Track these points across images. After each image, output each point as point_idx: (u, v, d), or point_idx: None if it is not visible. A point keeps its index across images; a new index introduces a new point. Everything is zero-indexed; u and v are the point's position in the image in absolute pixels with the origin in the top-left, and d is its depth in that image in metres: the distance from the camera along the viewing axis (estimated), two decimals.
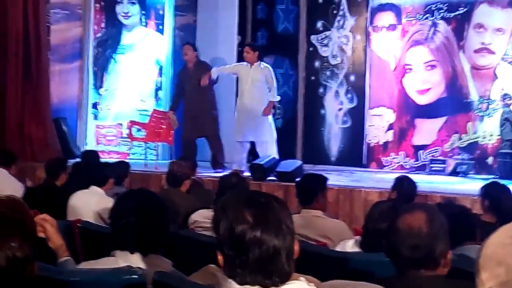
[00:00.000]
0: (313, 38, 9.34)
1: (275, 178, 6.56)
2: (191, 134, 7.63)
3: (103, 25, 8.85)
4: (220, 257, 1.48)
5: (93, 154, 5.93)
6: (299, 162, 6.96)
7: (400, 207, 2.65)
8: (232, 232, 1.45)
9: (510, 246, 0.94)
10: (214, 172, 7.23)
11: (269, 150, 7.21)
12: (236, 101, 7.63)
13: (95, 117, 8.83)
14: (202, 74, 7.46)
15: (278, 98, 7.56)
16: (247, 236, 1.44)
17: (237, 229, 1.45)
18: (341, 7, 9.06)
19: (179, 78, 7.99)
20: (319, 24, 9.29)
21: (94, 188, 4.30)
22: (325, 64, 9.22)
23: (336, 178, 6.64)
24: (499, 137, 7.58)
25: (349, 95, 8.99)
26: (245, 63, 7.36)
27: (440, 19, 8.29)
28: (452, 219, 2.64)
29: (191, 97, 7.60)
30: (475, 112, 7.99)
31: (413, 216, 1.83)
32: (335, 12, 9.12)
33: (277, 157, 7.11)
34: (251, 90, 7.20)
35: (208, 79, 7.40)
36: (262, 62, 7.37)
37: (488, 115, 7.89)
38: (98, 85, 8.82)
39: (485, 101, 7.92)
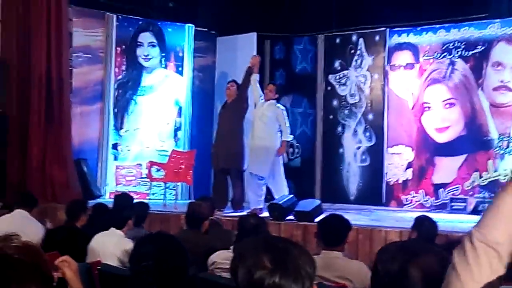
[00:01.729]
0: (331, 77, 9.41)
1: (293, 218, 6.53)
2: (217, 165, 7.69)
3: (124, 67, 9.02)
4: None
5: (127, 197, 5.93)
6: (317, 202, 6.93)
7: (410, 248, 2.62)
8: (251, 278, 1.45)
9: None
10: (233, 212, 7.23)
11: (279, 187, 7.25)
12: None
13: (115, 158, 8.91)
14: (237, 109, 7.62)
15: (291, 137, 7.64)
16: (266, 282, 1.44)
17: (255, 275, 1.45)
18: (359, 47, 9.14)
19: (219, 113, 8.12)
20: (337, 64, 9.36)
21: (113, 230, 4.32)
22: (343, 103, 9.26)
23: (355, 217, 6.59)
24: None
25: (368, 134, 8.99)
26: (262, 97, 7.47)
27: (458, 58, 8.32)
28: None
29: (223, 129, 7.71)
30: (495, 150, 7.93)
31: (425, 260, 1.81)
32: (352, 51, 9.20)
33: (287, 193, 7.14)
34: (258, 125, 7.33)
35: (252, 68, 7.57)
36: (277, 103, 7.46)
37: (509, 152, 7.83)
38: (119, 126, 8.94)
39: (505, 138, 7.87)
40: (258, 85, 7.67)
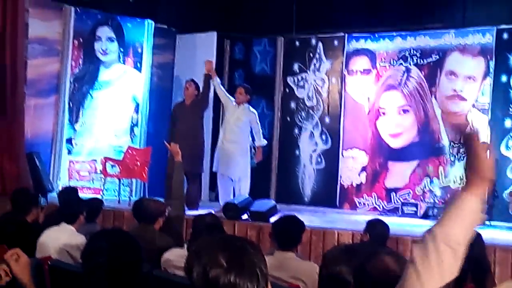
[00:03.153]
0: (290, 79, 9.48)
1: (248, 218, 6.55)
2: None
3: (80, 61, 8.87)
4: None
5: (72, 191, 5.79)
6: (273, 202, 6.98)
7: (355, 251, 2.66)
8: (206, 277, 1.45)
9: None
10: (188, 210, 7.20)
11: (242, 188, 7.34)
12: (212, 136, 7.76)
13: (69, 152, 8.76)
14: (197, 111, 7.58)
15: (265, 142, 7.74)
16: (221, 280, 1.45)
17: (211, 273, 1.45)
18: (318, 51, 9.24)
19: (174, 112, 8.01)
20: (296, 66, 9.44)
21: (64, 225, 4.25)
22: (301, 105, 9.34)
23: (309, 218, 6.64)
24: None
25: (324, 137, 9.10)
26: (234, 100, 7.50)
27: (414, 65, 8.50)
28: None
29: (182, 133, 7.57)
30: (447, 156, 8.14)
31: (383, 261, 1.84)
32: (311, 55, 9.29)
33: (247, 194, 7.21)
34: (232, 129, 7.39)
35: (210, 74, 7.52)
36: (250, 106, 7.53)
37: (459, 159, 8.04)
38: (74, 120, 8.78)
39: (456, 145, 8.08)
40: (222, 88, 7.70)
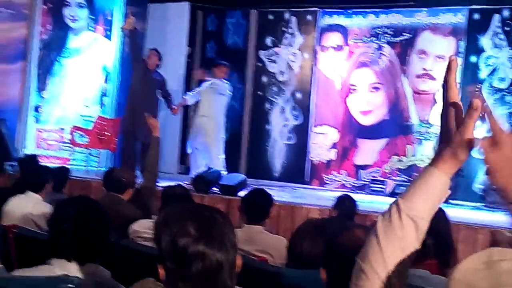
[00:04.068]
0: (262, 53, 9.43)
1: (217, 191, 6.55)
2: (131, 128, 7.44)
3: (49, 27, 8.66)
4: (161, 271, 1.47)
5: (31, 159, 5.70)
6: (242, 176, 6.99)
7: (325, 227, 2.68)
8: (175, 245, 1.44)
9: (482, 271, 0.97)
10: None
11: (213, 159, 7.36)
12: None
13: (37, 121, 8.60)
14: (157, 84, 7.49)
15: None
16: (190, 249, 1.44)
17: (180, 242, 1.44)
18: (290, 25, 9.19)
19: (139, 68, 7.77)
20: (268, 40, 9.38)
21: (30, 194, 4.18)
22: (273, 80, 9.32)
23: (278, 194, 6.67)
24: None
25: (295, 112, 9.10)
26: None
27: (386, 43, 8.53)
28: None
29: (140, 96, 7.44)
30: (415, 135, 8.23)
31: (354, 234, 1.86)
32: (284, 29, 9.24)
33: (223, 169, 7.24)
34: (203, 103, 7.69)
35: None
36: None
37: (426, 138, 8.14)
38: (41, 88, 8.61)
39: (424, 125, 8.17)
40: (193, 96, 7.85)
